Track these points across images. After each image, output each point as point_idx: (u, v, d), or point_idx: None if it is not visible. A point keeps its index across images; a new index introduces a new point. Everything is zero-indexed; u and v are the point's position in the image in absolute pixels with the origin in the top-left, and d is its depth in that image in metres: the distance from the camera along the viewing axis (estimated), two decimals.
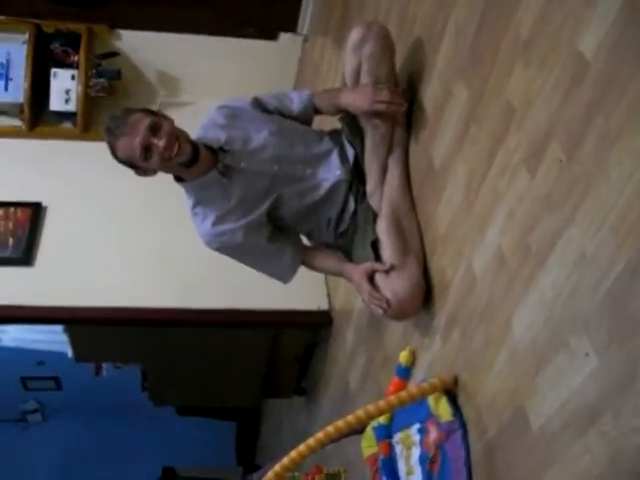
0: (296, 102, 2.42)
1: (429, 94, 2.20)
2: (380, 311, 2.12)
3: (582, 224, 1.39)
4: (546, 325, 1.49)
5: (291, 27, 4.14)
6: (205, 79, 4.17)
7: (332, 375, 3.39)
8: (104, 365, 4.73)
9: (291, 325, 3.49)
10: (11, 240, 3.39)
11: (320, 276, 3.49)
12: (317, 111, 2.45)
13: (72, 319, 3.30)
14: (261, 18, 4.11)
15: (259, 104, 2.41)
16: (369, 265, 2.19)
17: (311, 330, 3.59)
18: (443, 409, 1.93)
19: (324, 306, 3.40)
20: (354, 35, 2.24)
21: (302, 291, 3.38)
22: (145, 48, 4.07)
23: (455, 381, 1.92)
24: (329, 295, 3.43)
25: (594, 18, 1.38)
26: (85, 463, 6.26)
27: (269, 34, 4.16)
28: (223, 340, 3.60)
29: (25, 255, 3.34)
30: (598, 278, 1.33)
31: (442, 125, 2.09)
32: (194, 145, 2.17)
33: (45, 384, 6.10)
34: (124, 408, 6.20)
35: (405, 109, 2.24)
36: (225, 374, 3.85)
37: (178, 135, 2.12)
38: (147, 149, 2.07)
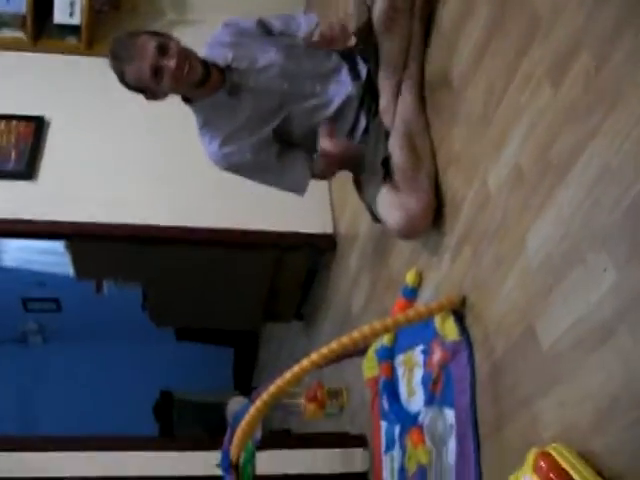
0: (303, 28, 2.33)
1: (448, 9, 2.12)
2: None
3: (607, 136, 1.34)
4: (562, 241, 1.46)
5: None
6: None
7: (333, 299, 3.38)
8: (105, 283, 4.72)
9: (294, 248, 3.46)
10: (13, 153, 3.34)
11: (326, 199, 3.45)
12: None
13: (73, 234, 3.27)
14: None
15: (263, 26, 2.34)
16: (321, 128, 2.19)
17: (314, 254, 3.57)
18: (450, 328, 1.91)
19: (329, 230, 3.37)
20: None
21: (307, 214, 3.37)
22: None
23: (463, 301, 1.90)
24: (334, 219, 3.40)
25: None
26: (83, 385, 6.31)
27: None
28: (225, 261, 3.57)
29: (27, 169, 3.30)
30: (620, 192, 1.29)
31: (461, 40, 2.01)
32: (205, 63, 2.11)
33: (45, 305, 6.12)
34: (123, 331, 6.23)
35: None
36: (226, 296, 3.85)
37: (187, 54, 2.07)
38: (157, 71, 2.01)
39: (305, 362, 1.85)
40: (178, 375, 6.39)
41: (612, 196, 1.31)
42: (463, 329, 1.88)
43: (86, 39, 3.73)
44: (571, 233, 1.43)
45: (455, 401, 1.89)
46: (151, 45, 2.01)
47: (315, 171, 2.37)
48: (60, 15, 3.71)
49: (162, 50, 2.01)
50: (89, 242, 3.40)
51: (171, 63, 2.01)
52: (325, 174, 2.47)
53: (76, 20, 3.71)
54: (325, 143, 2.16)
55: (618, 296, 1.28)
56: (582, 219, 1.40)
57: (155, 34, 2.07)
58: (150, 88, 2.07)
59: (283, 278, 3.72)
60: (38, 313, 6.24)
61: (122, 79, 2.07)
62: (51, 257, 5.12)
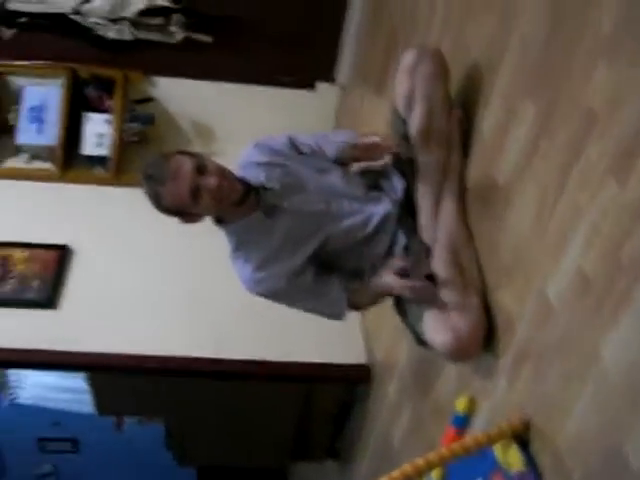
0: (334, 147, 2.27)
1: (488, 117, 2.06)
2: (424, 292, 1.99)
3: None
4: None
5: (328, 76, 4.07)
6: (240, 128, 4.05)
7: (371, 433, 3.14)
8: (126, 419, 4.50)
9: (327, 380, 3.27)
10: (36, 282, 3.25)
11: (358, 328, 3.30)
12: (355, 159, 2.30)
13: (95, 366, 3.12)
14: (299, 67, 4.05)
15: (294, 145, 2.28)
16: (391, 262, 2.08)
17: (348, 386, 3.37)
18: (514, 457, 1.70)
19: (362, 359, 3.19)
20: (408, 57, 2.12)
21: (339, 344, 3.23)
22: (180, 95, 4.01)
23: (527, 425, 1.70)
24: (369, 349, 3.22)
25: None
26: None
27: (306, 83, 4.09)
28: (253, 394, 3.39)
29: (49, 298, 3.20)
30: None
31: (505, 146, 1.93)
32: (243, 182, 2.03)
33: (62, 446, 5.85)
34: (142, 476, 5.92)
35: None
36: (254, 431, 3.63)
37: (226, 172, 1.98)
38: (196, 191, 1.91)
39: None
40: None
41: None
42: (529, 457, 1.67)
43: (114, 170, 3.74)
44: None
45: None
46: (188, 165, 1.92)
47: (353, 301, 2.25)
48: (89, 147, 3.74)
49: (200, 169, 1.93)
50: (111, 374, 3.24)
51: (211, 182, 1.91)
52: (366, 306, 2.36)
53: (104, 151, 3.73)
54: (394, 281, 2.04)
55: None
56: None
57: (189, 154, 2.00)
58: (187, 209, 1.96)
59: (314, 412, 3.51)
60: (54, 454, 5.96)
61: (157, 202, 1.95)
62: (69, 395, 4.94)
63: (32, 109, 3.77)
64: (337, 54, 4.00)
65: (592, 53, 1.55)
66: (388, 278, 2.06)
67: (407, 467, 1.66)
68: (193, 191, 1.91)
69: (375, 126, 3.19)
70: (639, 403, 1.30)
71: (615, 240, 1.41)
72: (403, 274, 2.02)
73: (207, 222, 2.14)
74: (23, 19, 3.65)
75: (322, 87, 4.11)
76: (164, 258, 3.49)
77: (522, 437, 1.71)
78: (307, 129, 3.84)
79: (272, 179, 2.12)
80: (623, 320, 1.37)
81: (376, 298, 2.30)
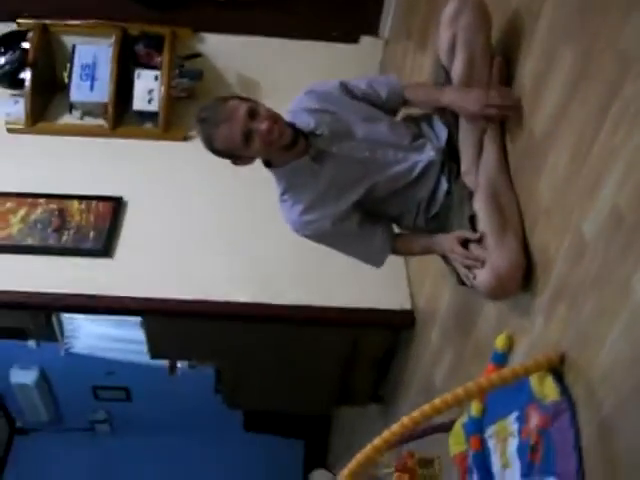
0: (386, 89, 2.34)
1: (528, 65, 2.10)
2: (473, 274, 2.01)
3: None
4: None
5: (372, 30, 4.11)
6: (286, 83, 4.10)
7: (414, 378, 3.25)
8: (179, 364, 4.68)
9: (372, 325, 3.37)
10: (92, 233, 3.41)
11: (403, 275, 3.39)
12: (405, 102, 2.37)
13: (149, 310, 3.27)
14: (343, 21, 4.09)
15: (346, 89, 2.35)
16: (461, 232, 2.11)
17: (392, 332, 3.47)
18: (549, 388, 1.78)
19: (407, 305, 3.29)
20: (449, 7, 2.16)
21: (384, 290, 3.32)
22: (227, 51, 4.10)
23: (562, 358, 1.78)
24: (412, 295, 3.32)
25: None
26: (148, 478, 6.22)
27: (350, 37, 4.13)
28: (300, 339, 3.50)
29: (105, 247, 3.35)
30: None
31: (544, 93, 1.97)
32: (293, 127, 2.12)
33: (115, 394, 6.10)
34: (192, 423, 6.14)
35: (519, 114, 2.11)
36: (300, 377, 3.76)
37: (277, 118, 2.07)
38: (248, 134, 2.01)
39: (395, 427, 1.75)
40: (245, 469, 6.23)
41: None
42: (564, 388, 1.75)
43: (163, 124, 3.85)
44: None
45: (558, 468, 1.74)
46: (242, 109, 2.01)
47: (400, 249, 2.39)
48: (139, 103, 3.86)
49: (252, 114, 2.01)
50: (164, 319, 3.39)
51: (262, 126, 2.00)
52: (412, 255, 2.45)
53: (154, 107, 3.84)
54: (456, 249, 2.10)
55: None
56: None
57: (243, 99, 2.09)
58: (239, 151, 2.06)
59: (359, 357, 3.62)
60: (108, 402, 6.22)
61: (209, 143, 2.06)
62: (122, 344, 5.13)
63: (84, 67, 3.90)
64: (381, 8, 4.03)
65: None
66: (450, 244, 2.13)
67: (448, 396, 1.75)
68: (245, 134, 2.00)
69: (419, 79, 3.24)
70: None
71: None
72: (465, 244, 2.09)
73: (256, 171, 2.26)
74: None
75: (366, 41, 4.15)
76: (212, 208, 3.62)
77: (557, 369, 1.79)
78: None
79: (321, 125, 2.20)
80: None
81: (426, 253, 2.41)
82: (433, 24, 3.07)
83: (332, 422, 5.38)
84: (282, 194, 2.24)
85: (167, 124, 3.87)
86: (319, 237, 2.29)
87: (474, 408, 2.20)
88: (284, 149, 2.11)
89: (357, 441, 4.58)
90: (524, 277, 1.99)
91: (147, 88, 3.85)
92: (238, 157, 2.11)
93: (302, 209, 2.21)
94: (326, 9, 4.02)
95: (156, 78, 3.85)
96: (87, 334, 5.24)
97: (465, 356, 2.53)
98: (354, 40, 4.12)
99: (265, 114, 2.04)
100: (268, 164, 2.22)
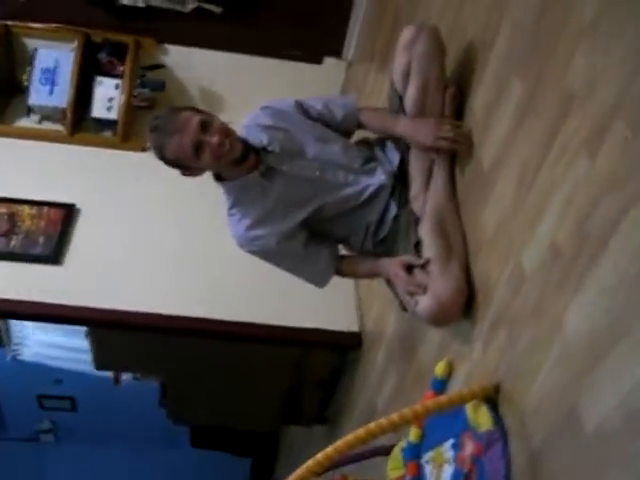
0: (342, 111, 2.36)
1: (480, 96, 2.13)
2: (416, 300, 2.02)
3: None
4: (605, 315, 1.38)
5: (336, 52, 4.14)
6: (247, 98, 4.10)
7: (358, 401, 3.25)
8: (124, 376, 4.62)
9: (319, 345, 3.38)
10: (42, 238, 3.36)
11: (351, 297, 3.40)
12: (360, 125, 2.39)
13: (94, 320, 3.23)
14: (307, 41, 4.12)
15: (302, 108, 2.36)
16: (405, 257, 2.13)
17: (339, 353, 3.47)
18: (483, 417, 1.79)
19: (354, 328, 3.29)
20: (406, 33, 2.19)
21: (332, 311, 3.32)
22: (190, 64, 4.09)
23: (497, 388, 1.80)
24: (361, 317, 3.32)
25: None
26: None
27: (314, 58, 4.16)
28: (247, 356, 3.49)
29: (54, 254, 3.31)
30: None
31: (493, 124, 2.01)
32: (244, 142, 2.12)
33: (60, 404, 6.00)
34: (137, 435, 6.06)
35: (469, 148, 2.13)
36: (247, 394, 3.74)
37: (229, 132, 2.07)
38: (199, 147, 2.01)
39: (329, 449, 1.76)
40: None
41: None
42: (498, 418, 1.76)
43: (122, 133, 3.82)
44: (615, 306, 1.35)
45: None
46: (194, 120, 2.01)
47: (345, 271, 2.40)
48: (98, 110, 3.82)
49: (204, 126, 2.01)
50: (111, 330, 3.34)
51: (214, 139, 2.01)
52: (356, 278, 2.46)
53: (113, 115, 3.81)
54: (399, 273, 2.12)
55: None
56: (627, 290, 1.32)
57: (197, 110, 2.09)
58: (188, 163, 2.06)
59: (306, 377, 3.61)
60: (53, 411, 6.11)
61: (160, 152, 2.06)
62: (71, 354, 5.07)
63: (44, 71, 3.85)
64: (345, 30, 4.06)
65: (574, 38, 1.62)
66: (394, 268, 2.15)
67: (383, 421, 1.76)
68: (196, 145, 2.00)
69: (378, 102, 3.27)
70: (594, 369, 1.39)
71: (585, 212, 1.49)
72: (409, 270, 2.11)
73: (213, 186, 2.25)
74: None
75: (329, 62, 4.18)
76: (167, 221, 3.59)
77: (492, 399, 1.81)
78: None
79: (273, 142, 2.21)
80: (586, 290, 1.45)
81: (370, 276, 2.43)
82: (394, 45, 3.10)
83: (280, 441, 5.35)
84: (230, 208, 2.24)
85: (126, 133, 3.84)
86: (264, 254, 2.29)
87: (412, 433, 2.21)
88: (234, 163, 2.11)
89: (302, 461, 4.56)
90: (466, 305, 2.01)
91: (107, 96, 3.82)
92: (187, 168, 2.11)
93: (249, 224, 2.21)
94: (291, 28, 4.05)
95: (117, 87, 3.83)
96: (36, 342, 5.17)
97: (407, 381, 2.54)
98: (317, 61, 4.15)
99: (217, 127, 2.04)
100: (218, 177, 2.21)
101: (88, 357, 3.99)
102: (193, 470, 6.14)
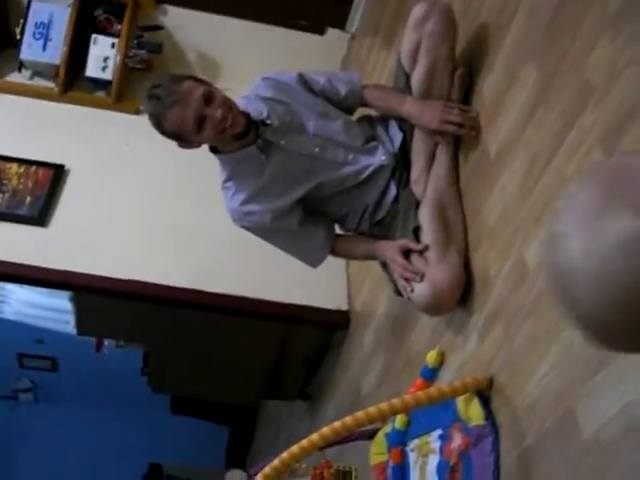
0: (345, 87, 2.28)
1: (490, 80, 2.06)
2: (412, 286, 1.98)
3: None
4: None
5: (340, 23, 4.04)
6: (245, 67, 4.03)
7: (342, 380, 3.22)
8: (106, 343, 4.57)
9: (306, 322, 3.33)
10: (28, 199, 3.27)
11: (342, 276, 3.35)
12: (363, 103, 2.31)
13: (78, 285, 3.16)
14: (311, 11, 4.01)
15: (304, 82, 2.28)
16: (404, 241, 2.08)
17: (325, 331, 3.43)
18: (474, 411, 1.76)
19: (343, 306, 3.25)
20: (417, 10, 2.11)
21: (322, 289, 3.27)
22: (189, 27, 3.98)
23: (490, 382, 1.76)
24: (350, 296, 3.28)
25: None
26: (70, 451, 6.10)
27: (317, 28, 4.06)
28: (232, 330, 3.45)
29: (40, 215, 3.22)
30: None
31: (502, 111, 1.94)
32: (246, 116, 2.04)
33: (41, 363, 5.96)
34: (118, 398, 6.04)
35: (476, 133, 2.06)
36: (229, 367, 3.70)
37: (231, 105, 1.99)
38: (201, 120, 1.93)
39: (314, 436, 1.71)
40: (170, 448, 6.18)
41: None
42: (489, 413, 1.73)
43: (115, 94, 3.72)
44: None
45: None
46: (197, 92, 1.92)
47: (340, 251, 2.34)
48: (93, 69, 3.71)
49: (208, 99, 1.93)
50: (96, 296, 3.27)
51: (217, 113, 1.92)
52: (351, 259, 2.41)
53: (108, 75, 3.70)
54: (396, 257, 2.07)
55: None
56: None
57: (199, 80, 2.01)
58: (188, 135, 1.98)
59: (290, 353, 3.58)
60: (33, 370, 6.07)
61: (158, 123, 1.96)
62: (53, 314, 5.00)
63: (38, 25, 3.73)
64: (351, 2, 3.96)
65: (597, 27, 1.55)
66: (392, 252, 2.10)
67: (372, 409, 1.72)
68: (198, 119, 1.92)
69: (379, 79, 3.19)
70: (598, 373, 1.35)
71: None
72: (406, 254, 2.06)
73: (206, 155, 2.18)
74: None
75: (332, 33, 4.08)
76: (157, 187, 3.50)
77: (484, 393, 1.77)
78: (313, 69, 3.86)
79: (273, 115, 2.13)
80: None
81: (366, 258, 2.37)
82: (402, 20, 3.02)
83: (259, 413, 5.34)
84: (225, 181, 2.17)
85: (120, 94, 3.74)
86: (257, 231, 2.23)
87: (398, 420, 2.18)
88: (235, 138, 2.03)
89: (282, 436, 4.56)
90: (463, 294, 1.96)
91: (103, 55, 3.71)
92: (185, 140, 2.03)
93: (243, 199, 2.14)
94: None
95: (113, 46, 3.71)
96: (18, 300, 5.09)
97: (396, 365, 2.50)
98: (320, 31, 4.05)
99: (220, 100, 1.96)
100: (214, 150, 2.14)
101: (71, 318, 3.93)
102: (172, 435, 6.14)
